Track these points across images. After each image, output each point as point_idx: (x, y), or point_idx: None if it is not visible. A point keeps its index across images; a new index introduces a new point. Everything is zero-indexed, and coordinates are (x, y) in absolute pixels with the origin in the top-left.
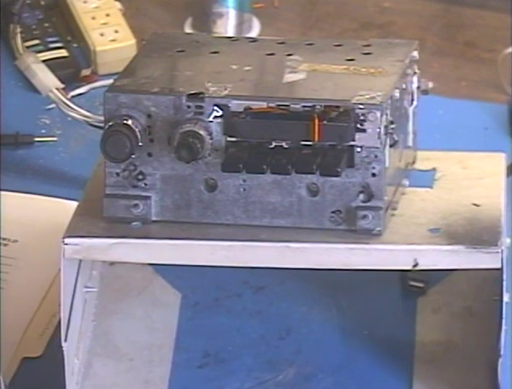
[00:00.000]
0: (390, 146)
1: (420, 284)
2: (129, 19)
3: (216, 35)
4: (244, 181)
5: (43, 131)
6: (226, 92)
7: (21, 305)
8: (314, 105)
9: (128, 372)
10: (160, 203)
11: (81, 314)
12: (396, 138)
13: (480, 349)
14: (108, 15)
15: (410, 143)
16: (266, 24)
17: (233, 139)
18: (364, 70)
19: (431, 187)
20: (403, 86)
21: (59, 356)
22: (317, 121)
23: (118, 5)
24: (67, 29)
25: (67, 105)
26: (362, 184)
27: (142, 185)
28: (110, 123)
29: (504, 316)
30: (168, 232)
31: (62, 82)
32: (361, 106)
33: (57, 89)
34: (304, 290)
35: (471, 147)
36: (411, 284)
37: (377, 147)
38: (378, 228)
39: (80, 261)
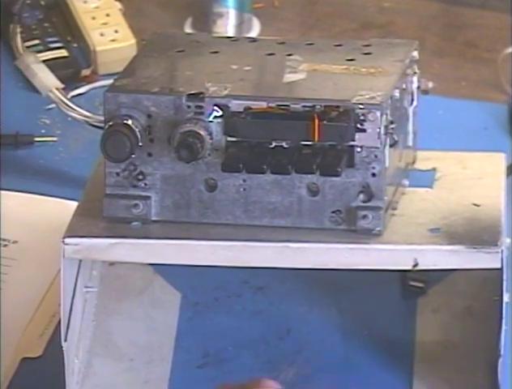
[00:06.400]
0: (390, 146)
1: (420, 284)
2: (129, 19)
3: (216, 35)
4: (244, 181)
5: (43, 131)
6: (226, 92)
7: (21, 305)
8: (314, 105)
9: (128, 372)
10: (160, 203)
11: (81, 314)
12: (396, 138)
13: (479, 349)
14: (108, 15)
15: (410, 143)
16: (266, 24)
17: (233, 139)
18: (364, 70)
19: (431, 187)
20: (403, 86)
21: (59, 357)
22: (317, 121)
23: (118, 5)
24: (67, 29)
25: (67, 105)
26: (362, 184)
27: (143, 185)
28: (110, 123)
29: (504, 316)
30: (168, 232)
31: (62, 82)
32: (361, 106)
33: (57, 89)
34: (304, 290)
35: (471, 147)
36: (411, 284)
37: (377, 147)
38: (378, 228)
39: (80, 261)
